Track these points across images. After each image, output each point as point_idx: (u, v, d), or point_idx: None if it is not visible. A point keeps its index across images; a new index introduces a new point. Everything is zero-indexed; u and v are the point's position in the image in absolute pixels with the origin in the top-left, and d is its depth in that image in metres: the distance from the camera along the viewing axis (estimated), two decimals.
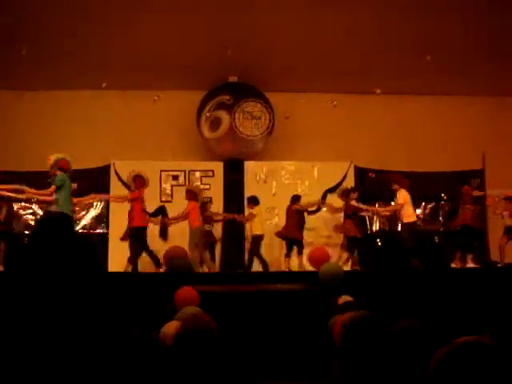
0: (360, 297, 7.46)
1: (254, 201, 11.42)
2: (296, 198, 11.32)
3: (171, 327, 5.07)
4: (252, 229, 11.29)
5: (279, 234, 11.34)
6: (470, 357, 2.09)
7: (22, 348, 2.67)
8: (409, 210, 10.81)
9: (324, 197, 11.69)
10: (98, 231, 12.36)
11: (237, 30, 10.53)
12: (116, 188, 12.08)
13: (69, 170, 9.03)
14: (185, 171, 12.61)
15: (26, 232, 11.38)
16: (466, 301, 7.50)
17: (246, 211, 11.52)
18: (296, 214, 11.18)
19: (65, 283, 2.73)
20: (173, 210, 11.36)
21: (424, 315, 3.27)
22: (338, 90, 12.94)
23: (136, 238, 10.38)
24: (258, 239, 11.22)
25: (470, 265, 10.51)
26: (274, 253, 11.93)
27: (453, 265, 10.47)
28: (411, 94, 13.14)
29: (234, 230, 11.66)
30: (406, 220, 10.81)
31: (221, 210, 12.36)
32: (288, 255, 11.12)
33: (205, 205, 11.43)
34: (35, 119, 12.51)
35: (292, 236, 11.07)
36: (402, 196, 10.83)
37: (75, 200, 9.98)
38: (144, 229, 10.48)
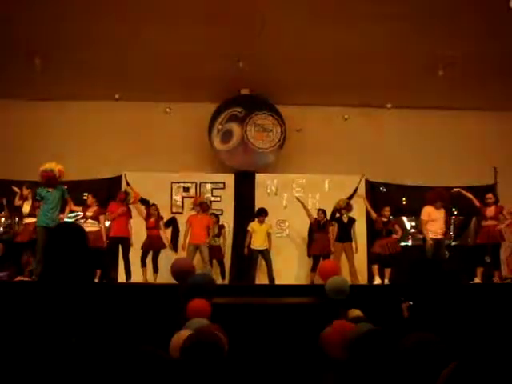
0: (369, 311, 7.44)
1: (260, 213, 11.45)
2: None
3: (179, 338, 5.08)
4: (252, 243, 11.35)
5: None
6: (478, 372, 2.08)
7: (29, 359, 2.68)
8: (433, 226, 10.70)
9: (333, 213, 11.60)
10: None
11: (249, 42, 10.56)
12: None
13: (50, 182, 9.23)
14: (196, 183, 12.63)
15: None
16: (475, 317, 7.44)
17: (255, 223, 11.49)
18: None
19: (76, 294, 2.74)
20: (183, 222, 11.34)
21: (433, 331, 3.25)
22: (350, 104, 12.99)
23: None
24: (255, 253, 11.29)
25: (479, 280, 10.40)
26: (284, 265, 11.93)
27: (476, 281, 10.34)
28: (423, 109, 13.13)
29: (243, 243, 11.61)
30: (430, 236, 10.71)
31: (231, 223, 12.38)
32: (314, 269, 11.13)
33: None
34: (47, 130, 12.59)
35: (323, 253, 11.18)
36: (426, 212, 10.77)
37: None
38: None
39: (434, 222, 10.67)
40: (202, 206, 11.02)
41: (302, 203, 11.60)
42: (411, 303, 6.90)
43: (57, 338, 2.69)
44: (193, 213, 11.20)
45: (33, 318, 2.72)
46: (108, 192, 12.06)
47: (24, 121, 12.59)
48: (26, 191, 10.28)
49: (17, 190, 10.45)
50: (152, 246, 10.85)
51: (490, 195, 10.73)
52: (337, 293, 8.06)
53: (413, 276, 8.80)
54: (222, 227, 11.74)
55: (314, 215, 11.45)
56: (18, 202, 10.35)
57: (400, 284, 9.62)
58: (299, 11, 9.72)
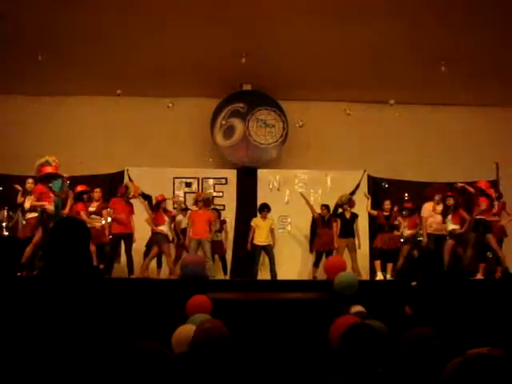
0: (372, 307, 7.43)
1: (262, 208, 11.45)
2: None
3: (183, 333, 5.08)
4: (255, 238, 11.36)
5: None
6: (482, 369, 2.07)
7: (29, 357, 2.67)
8: (434, 222, 10.72)
9: (336, 209, 11.59)
10: None
11: (252, 38, 10.56)
12: None
13: (53, 173, 9.28)
14: (198, 178, 12.63)
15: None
16: (478, 312, 7.44)
17: (258, 218, 11.51)
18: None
19: (77, 288, 2.74)
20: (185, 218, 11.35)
21: (437, 326, 3.25)
22: (352, 100, 12.97)
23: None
24: (258, 249, 11.30)
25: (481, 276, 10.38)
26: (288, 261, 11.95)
27: (478, 276, 10.31)
28: (425, 104, 13.13)
29: (245, 239, 11.62)
30: (430, 231, 10.73)
31: (233, 218, 12.38)
32: (316, 265, 11.15)
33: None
34: (50, 125, 12.60)
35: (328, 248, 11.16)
36: (426, 209, 10.79)
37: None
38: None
39: (432, 217, 10.69)
40: (204, 202, 11.03)
41: (305, 199, 11.61)
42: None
43: (58, 333, 2.68)
44: (194, 208, 11.21)
45: (34, 314, 2.72)
46: (110, 188, 12.05)
47: (26, 116, 12.58)
48: (28, 185, 10.14)
49: (19, 188, 10.38)
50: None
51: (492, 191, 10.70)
52: (346, 288, 8.06)
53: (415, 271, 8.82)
54: (223, 222, 11.75)
55: (317, 211, 11.44)
56: (20, 199, 10.29)
57: (402, 280, 9.64)
58: (301, 7, 9.71)
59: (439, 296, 6.58)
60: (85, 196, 10.43)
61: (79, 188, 10.49)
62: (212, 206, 11.62)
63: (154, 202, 10.73)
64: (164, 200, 10.79)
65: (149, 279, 10.31)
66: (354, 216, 11.16)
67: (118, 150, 12.54)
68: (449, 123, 13.13)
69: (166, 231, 10.64)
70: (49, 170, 9.53)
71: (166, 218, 10.72)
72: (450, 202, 10.60)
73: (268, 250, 11.27)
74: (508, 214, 10.57)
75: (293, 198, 12.40)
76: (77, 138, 12.52)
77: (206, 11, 9.79)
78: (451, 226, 10.62)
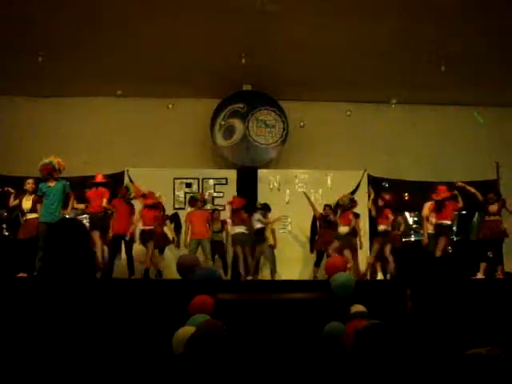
0: (372, 306, 7.43)
1: (263, 208, 11.44)
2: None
3: (182, 334, 5.08)
4: None
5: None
6: (481, 368, 2.07)
7: (27, 356, 2.68)
8: (430, 221, 10.77)
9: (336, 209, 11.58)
10: None
11: (251, 38, 10.57)
12: None
13: (50, 175, 9.33)
14: (198, 179, 12.62)
15: None
16: (478, 312, 7.45)
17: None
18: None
19: (74, 289, 2.74)
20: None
21: (437, 326, 3.25)
22: (353, 99, 12.97)
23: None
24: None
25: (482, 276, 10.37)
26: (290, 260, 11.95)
27: (479, 276, 10.29)
28: (425, 104, 13.13)
29: None
30: (430, 231, 10.76)
31: None
32: (318, 264, 11.14)
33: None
34: (50, 126, 12.60)
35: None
36: (425, 208, 10.84)
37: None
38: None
39: (431, 217, 10.73)
40: (192, 202, 11.14)
41: (308, 198, 11.60)
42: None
43: (56, 333, 2.69)
44: (191, 209, 11.25)
45: (33, 314, 2.72)
46: (111, 188, 12.02)
47: (27, 118, 12.61)
48: (29, 185, 10.05)
49: (12, 190, 10.33)
50: (158, 244, 10.88)
51: (491, 195, 10.56)
52: (342, 289, 8.05)
53: (415, 269, 8.83)
54: (224, 223, 11.73)
55: (319, 210, 11.43)
56: (12, 202, 10.24)
57: (402, 279, 9.64)
58: (301, 8, 9.71)
59: (439, 295, 6.59)
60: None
61: (149, 201, 10.69)
62: (209, 206, 11.66)
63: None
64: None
65: (150, 280, 10.31)
66: (356, 216, 11.13)
67: (118, 151, 12.53)
68: (448, 123, 13.13)
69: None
70: (100, 177, 10.35)
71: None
72: (380, 202, 10.77)
73: (269, 250, 11.25)
74: (510, 212, 10.52)
75: (293, 198, 12.40)
76: (77, 139, 12.51)
77: (206, 11, 9.79)
78: (380, 227, 10.74)
